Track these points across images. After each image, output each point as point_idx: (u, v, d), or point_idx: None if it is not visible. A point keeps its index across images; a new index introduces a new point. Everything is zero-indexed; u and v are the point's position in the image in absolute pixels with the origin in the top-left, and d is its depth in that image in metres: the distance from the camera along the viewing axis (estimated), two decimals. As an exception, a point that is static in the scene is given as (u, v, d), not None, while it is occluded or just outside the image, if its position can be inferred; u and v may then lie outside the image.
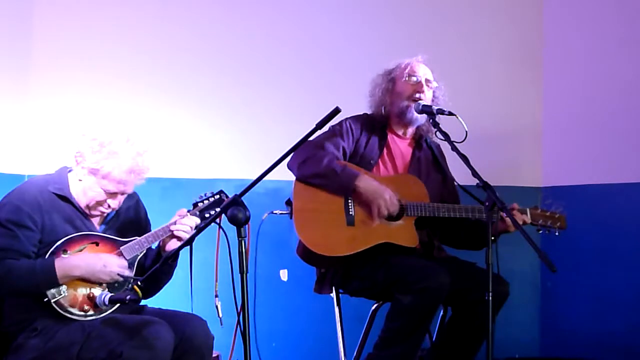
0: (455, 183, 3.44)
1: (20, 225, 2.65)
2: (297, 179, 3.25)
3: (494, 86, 4.46)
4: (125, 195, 2.84)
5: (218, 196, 2.91)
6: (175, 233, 2.80)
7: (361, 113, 3.45)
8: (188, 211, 2.88)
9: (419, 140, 3.45)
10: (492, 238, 2.89)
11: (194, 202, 2.92)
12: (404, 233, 3.21)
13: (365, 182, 3.18)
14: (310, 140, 2.51)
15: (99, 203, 2.79)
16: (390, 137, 3.41)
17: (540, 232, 3.28)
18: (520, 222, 3.17)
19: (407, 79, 3.34)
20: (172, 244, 2.82)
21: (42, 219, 2.69)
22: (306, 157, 3.21)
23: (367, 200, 3.18)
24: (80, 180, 2.78)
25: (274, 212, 3.37)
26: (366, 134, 3.38)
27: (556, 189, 3.82)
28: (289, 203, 3.26)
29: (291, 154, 2.55)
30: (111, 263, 2.72)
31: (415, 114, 3.31)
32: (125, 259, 2.78)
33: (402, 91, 3.34)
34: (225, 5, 4.20)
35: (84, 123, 3.84)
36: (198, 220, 2.84)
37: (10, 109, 3.81)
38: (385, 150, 3.39)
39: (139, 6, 4.08)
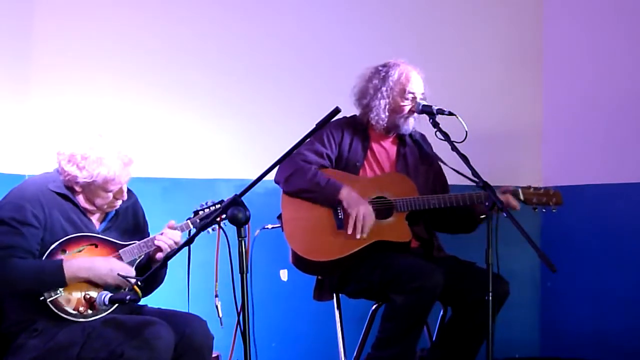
0: (452, 178, 3.42)
1: (25, 223, 2.65)
2: (284, 193, 3.26)
3: (494, 86, 4.46)
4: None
5: (219, 205, 2.93)
6: (157, 243, 2.82)
7: (340, 117, 3.43)
8: (188, 218, 2.91)
9: (402, 137, 3.44)
10: (483, 217, 2.93)
11: (195, 209, 2.93)
12: (395, 229, 3.22)
13: (347, 197, 3.18)
14: (294, 153, 2.51)
15: (110, 203, 2.82)
16: (373, 137, 3.41)
17: (537, 210, 3.27)
18: (514, 208, 3.17)
19: (404, 95, 3.31)
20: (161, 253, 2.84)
21: (44, 216, 2.70)
22: (291, 172, 3.23)
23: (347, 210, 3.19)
24: (79, 190, 2.79)
25: (266, 227, 3.38)
26: (348, 137, 3.38)
27: (556, 189, 3.80)
28: (280, 217, 3.27)
29: (277, 167, 2.54)
30: (118, 268, 2.72)
31: (409, 126, 3.33)
32: (123, 261, 2.79)
33: (399, 110, 3.33)
34: (225, 5, 4.20)
35: (84, 123, 3.85)
36: (179, 234, 2.85)
37: (10, 109, 3.81)
38: (369, 152, 3.39)
39: (139, 6, 4.07)
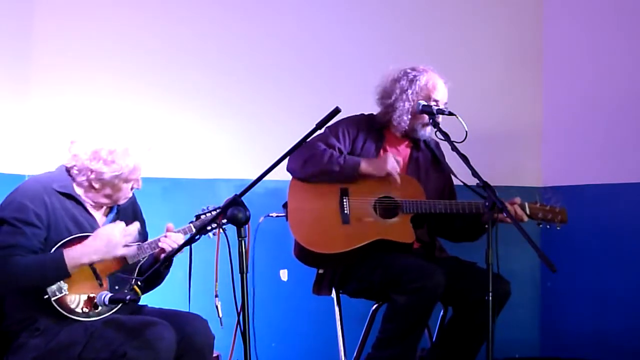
0: (457, 181, 3.43)
1: (27, 222, 2.65)
2: (296, 179, 3.27)
3: (494, 86, 4.46)
4: None
5: (220, 210, 2.93)
6: (161, 244, 2.82)
7: (358, 114, 3.45)
8: (191, 222, 2.92)
9: (416, 142, 3.45)
10: (487, 226, 2.93)
11: (197, 213, 2.93)
12: (399, 229, 3.22)
13: (368, 165, 3.23)
14: (306, 143, 2.52)
15: (127, 194, 2.84)
16: (388, 139, 3.42)
17: (541, 225, 3.27)
18: (520, 219, 3.16)
19: (428, 102, 3.31)
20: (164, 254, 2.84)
21: (47, 216, 2.70)
22: (306, 157, 3.24)
23: (379, 175, 3.23)
24: (98, 187, 2.79)
25: (270, 214, 3.38)
26: (362, 135, 3.39)
27: (556, 189, 3.82)
28: (285, 206, 3.27)
29: (288, 157, 2.55)
30: (113, 235, 2.71)
31: (426, 132, 3.36)
32: (128, 262, 2.79)
33: (423, 117, 3.33)
34: (225, 5, 4.20)
35: (84, 123, 3.85)
36: (183, 237, 2.84)
37: (10, 109, 3.81)
38: (382, 153, 3.40)
39: (139, 6, 4.07)
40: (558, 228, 3.26)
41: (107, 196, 2.81)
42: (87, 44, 3.98)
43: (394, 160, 3.24)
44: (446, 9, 4.45)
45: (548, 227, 3.26)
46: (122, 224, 2.76)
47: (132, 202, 2.98)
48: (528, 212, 3.23)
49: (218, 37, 4.16)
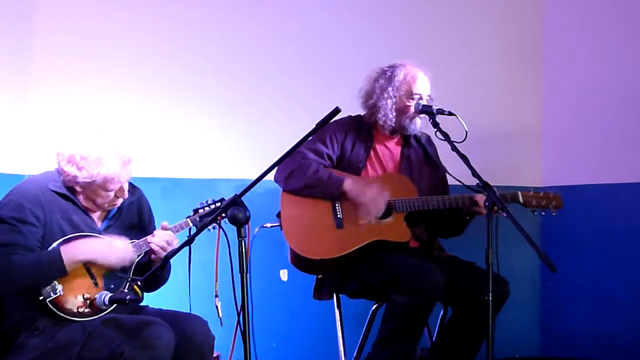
0: (451, 179, 3.42)
1: (24, 221, 2.66)
2: (283, 191, 3.26)
3: (494, 86, 4.46)
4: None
5: (219, 203, 2.93)
6: (149, 244, 2.82)
7: (344, 116, 3.44)
8: (188, 217, 2.91)
9: (407, 138, 3.44)
10: (468, 218, 3.08)
11: (195, 208, 2.93)
12: (394, 229, 3.22)
13: (351, 186, 3.19)
14: (294, 152, 2.51)
15: (111, 202, 2.82)
16: (377, 138, 3.41)
17: (536, 213, 3.26)
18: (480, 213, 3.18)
19: (411, 96, 3.31)
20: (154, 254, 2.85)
21: (44, 215, 2.70)
22: (291, 170, 3.23)
23: (355, 203, 3.19)
24: (79, 190, 2.79)
25: (265, 225, 3.38)
26: (351, 138, 3.37)
27: (556, 189, 3.81)
28: (279, 215, 3.27)
29: (277, 167, 2.53)
30: (116, 243, 2.73)
31: (415, 126, 3.34)
32: None
33: (406, 110, 3.33)
34: (226, 5, 4.20)
35: (84, 123, 3.86)
36: (171, 234, 2.84)
37: (11, 108, 3.81)
38: (372, 153, 3.39)
39: (139, 6, 4.07)
40: (553, 214, 3.25)
41: (89, 200, 2.80)
42: (87, 44, 3.98)
43: (382, 197, 3.18)
44: (446, 9, 4.45)
45: (543, 213, 3.25)
46: (127, 240, 2.78)
47: (138, 198, 2.98)
48: (522, 200, 3.21)
49: (218, 37, 4.16)
